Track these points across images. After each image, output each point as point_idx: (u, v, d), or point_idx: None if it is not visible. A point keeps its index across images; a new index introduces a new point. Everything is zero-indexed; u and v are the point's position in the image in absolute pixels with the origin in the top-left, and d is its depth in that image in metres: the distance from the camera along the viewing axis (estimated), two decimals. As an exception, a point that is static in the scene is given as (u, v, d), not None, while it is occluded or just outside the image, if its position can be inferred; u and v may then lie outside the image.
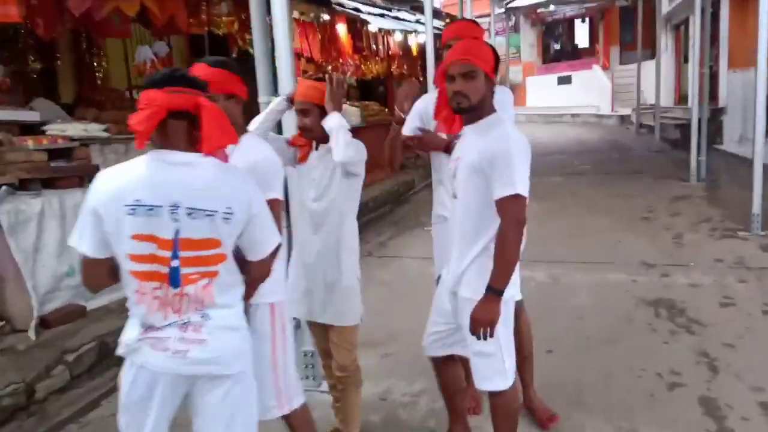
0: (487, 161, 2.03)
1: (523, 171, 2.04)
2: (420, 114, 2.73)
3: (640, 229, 5.91)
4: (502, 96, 2.36)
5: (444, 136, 2.59)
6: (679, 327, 3.55)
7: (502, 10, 19.21)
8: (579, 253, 5.28)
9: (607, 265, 4.86)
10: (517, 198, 2.00)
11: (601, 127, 18.22)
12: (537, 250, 5.53)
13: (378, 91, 10.10)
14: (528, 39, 23.72)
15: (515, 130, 2.17)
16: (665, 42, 16.90)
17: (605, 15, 21.59)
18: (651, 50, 20.71)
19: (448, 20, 11.38)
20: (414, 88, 3.09)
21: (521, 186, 2.01)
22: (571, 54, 23.55)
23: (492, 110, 2.16)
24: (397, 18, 8.47)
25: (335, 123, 2.26)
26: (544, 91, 22.46)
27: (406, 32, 9.22)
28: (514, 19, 22.66)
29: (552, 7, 21.02)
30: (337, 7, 6.47)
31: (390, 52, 8.48)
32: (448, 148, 2.54)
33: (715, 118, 11.35)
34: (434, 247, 2.82)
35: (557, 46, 24.42)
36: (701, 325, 3.55)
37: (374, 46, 8.01)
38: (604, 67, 20.79)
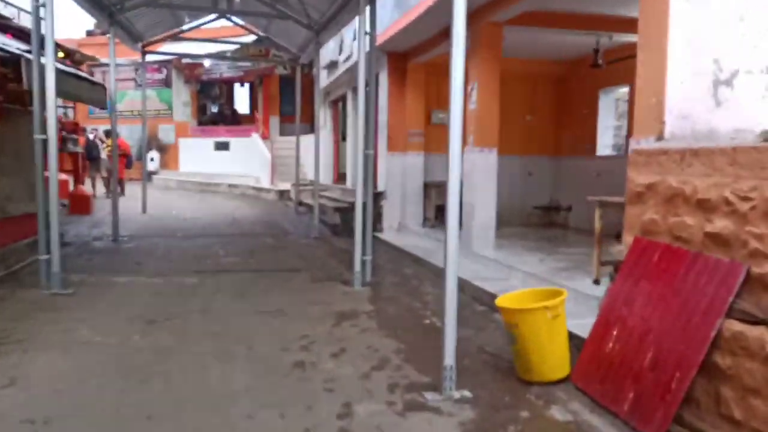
0: None
1: None
2: None
3: (287, 395, 3.66)
4: None
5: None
6: None
7: (148, 58, 16.43)
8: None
9: None
10: None
11: (260, 201, 16.56)
12: None
13: None
14: (181, 96, 21.22)
15: None
16: (324, 117, 16.31)
17: (265, 82, 20.57)
18: (311, 124, 20.35)
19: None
20: None
21: None
22: (231, 119, 21.86)
23: None
24: None
25: None
26: (200, 156, 20.11)
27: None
28: (165, 72, 19.97)
29: (207, 64, 19.04)
30: None
31: None
32: None
33: (375, 202, 10.41)
34: None
35: (215, 109, 22.49)
36: None
37: None
38: (264, 137, 19.52)
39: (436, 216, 10.05)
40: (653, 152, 3.86)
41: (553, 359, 3.86)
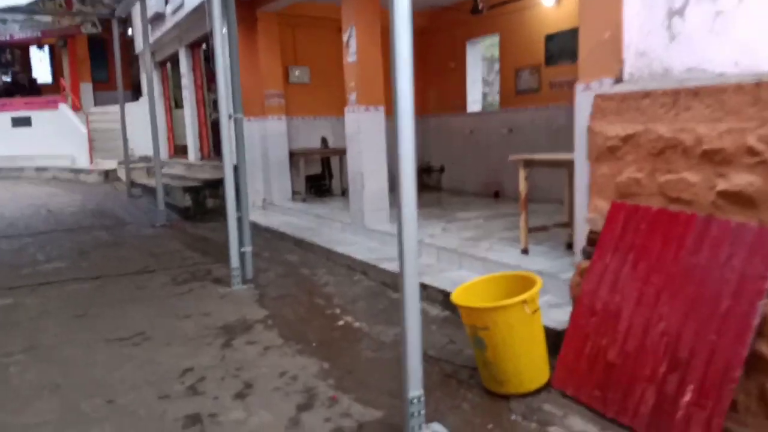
0: None
1: None
2: None
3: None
4: None
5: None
6: None
7: None
8: None
9: None
10: None
11: (80, 185, 14.00)
12: None
13: None
14: (-40, 63, 17.29)
15: None
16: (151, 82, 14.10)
17: (70, 43, 17.43)
18: (131, 91, 17.74)
19: None
20: None
21: None
22: (29, 89, 18.33)
23: None
24: None
25: None
26: (-6, 136, 16.61)
27: None
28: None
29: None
30: None
31: None
32: None
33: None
34: None
35: (7, 78, 18.73)
36: None
37: None
38: (75, 108, 16.57)
39: (308, 188, 8.91)
40: (628, 96, 3.15)
41: (532, 365, 3.07)
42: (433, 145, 10.15)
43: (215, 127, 11.22)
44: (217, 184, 8.84)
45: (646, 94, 3.05)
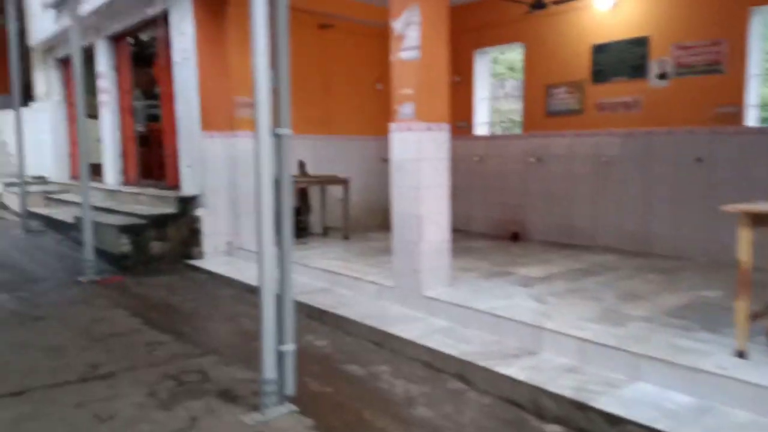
0: None
1: None
2: None
3: None
4: None
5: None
6: None
7: None
8: None
9: None
10: None
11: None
12: None
13: None
14: None
15: None
16: (50, 83, 11.35)
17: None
18: (8, 95, 14.54)
19: None
20: None
21: None
22: None
23: None
24: None
25: None
26: None
27: None
28: None
29: None
30: None
31: None
32: None
33: (185, 213, 6.73)
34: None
35: None
36: None
37: None
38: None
39: (299, 227, 6.85)
40: None
41: None
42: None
43: (145, 142, 8.84)
44: (163, 222, 6.55)
45: None
